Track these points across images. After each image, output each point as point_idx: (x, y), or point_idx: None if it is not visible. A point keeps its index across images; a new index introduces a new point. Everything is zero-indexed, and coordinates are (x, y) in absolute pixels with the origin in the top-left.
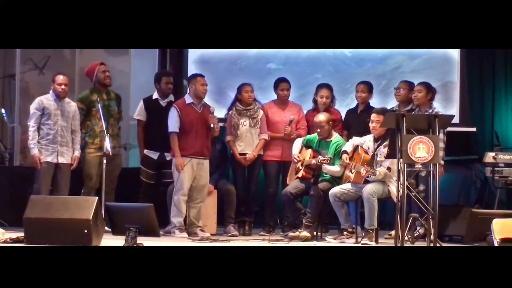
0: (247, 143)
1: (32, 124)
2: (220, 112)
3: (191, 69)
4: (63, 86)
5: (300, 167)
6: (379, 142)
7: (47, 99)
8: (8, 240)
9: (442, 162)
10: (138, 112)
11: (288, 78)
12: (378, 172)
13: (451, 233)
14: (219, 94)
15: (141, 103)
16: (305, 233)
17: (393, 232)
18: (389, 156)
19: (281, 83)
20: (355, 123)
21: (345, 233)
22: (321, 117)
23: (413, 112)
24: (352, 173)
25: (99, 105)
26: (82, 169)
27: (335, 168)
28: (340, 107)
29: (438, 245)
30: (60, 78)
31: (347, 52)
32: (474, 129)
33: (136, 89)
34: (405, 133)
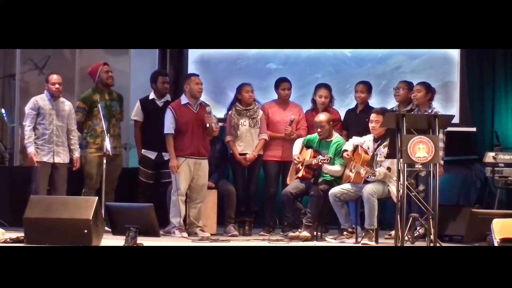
0: (247, 143)
1: (27, 124)
2: (220, 112)
3: (191, 69)
4: (57, 86)
5: (300, 167)
6: (379, 142)
7: (42, 99)
8: (8, 240)
9: (442, 162)
10: (134, 112)
11: (288, 78)
12: (377, 173)
13: (451, 233)
14: (219, 94)
15: (138, 103)
16: (305, 233)
17: (393, 232)
18: (389, 156)
19: (282, 83)
20: (354, 123)
21: (345, 233)
22: (322, 117)
23: (412, 112)
24: (352, 173)
25: (99, 105)
26: (83, 169)
27: (336, 168)
28: (340, 107)
29: (438, 245)
30: (54, 77)
31: (347, 52)
32: (474, 129)
33: (136, 89)
34: (405, 133)
